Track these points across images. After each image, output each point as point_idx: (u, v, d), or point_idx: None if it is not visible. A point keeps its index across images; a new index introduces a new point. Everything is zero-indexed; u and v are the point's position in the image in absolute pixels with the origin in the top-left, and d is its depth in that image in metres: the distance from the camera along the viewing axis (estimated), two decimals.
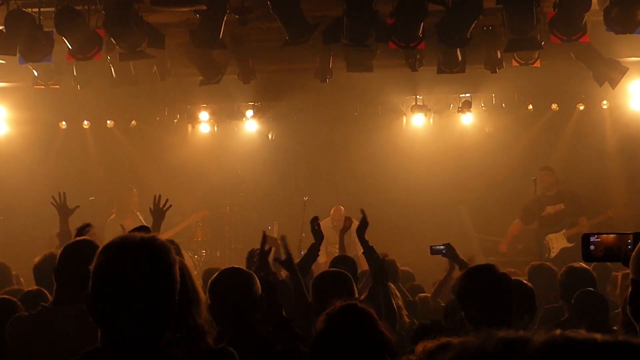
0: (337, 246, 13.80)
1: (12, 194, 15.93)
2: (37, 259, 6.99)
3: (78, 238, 5.31)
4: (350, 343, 3.77)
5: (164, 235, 13.61)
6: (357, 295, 5.72)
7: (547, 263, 9.64)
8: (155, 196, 8.14)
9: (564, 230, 13.82)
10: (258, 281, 4.94)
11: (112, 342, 2.75)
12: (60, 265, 4.71)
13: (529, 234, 14.77)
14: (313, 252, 7.48)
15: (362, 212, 7.66)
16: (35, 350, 4.46)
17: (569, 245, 13.82)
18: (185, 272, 3.81)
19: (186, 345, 3.69)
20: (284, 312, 5.33)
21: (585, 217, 13.98)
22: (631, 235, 3.53)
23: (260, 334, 4.75)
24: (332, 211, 15.02)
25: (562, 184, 14.35)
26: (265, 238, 6.39)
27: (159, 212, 8.11)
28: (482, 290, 4.73)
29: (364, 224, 7.63)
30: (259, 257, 6.38)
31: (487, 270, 5.00)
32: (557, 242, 13.77)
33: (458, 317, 4.85)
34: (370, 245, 7.31)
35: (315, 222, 7.83)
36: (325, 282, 5.81)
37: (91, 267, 2.80)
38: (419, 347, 3.05)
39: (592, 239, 3.65)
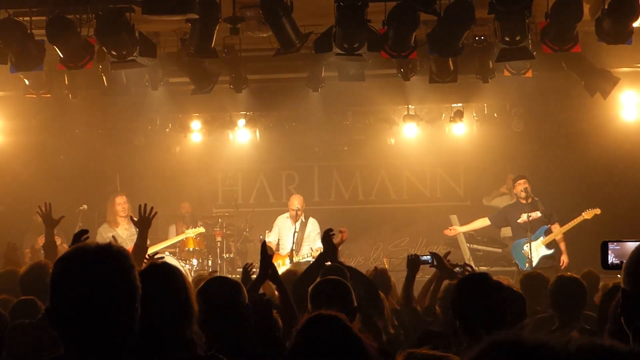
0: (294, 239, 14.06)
1: (3, 203, 15.91)
2: (22, 269, 6.96)
3: (76, 245, 5.27)
4: (321, 352, 3.73)
5: (157, 246, 13.74)
6: (355, 304, 5.69)
7: (538, 271, 9.64)
8: (140, 205, 8.11)
9: (542, 238, 13.88)
10: (245, 291, 4.92)
11: (74, 352, 2.73)
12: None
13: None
14: (321, 260, 7.48)
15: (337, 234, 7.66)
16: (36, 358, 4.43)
17: (549, 252, 13.87)
18: (186, 285, 3.81)
19: (178, 356, 3.67)
20: (279, 322, 5.31)
21: (558, 224, 14.11)
22: None
23: (247, 343, 4.72)
24: (290, 201, 15.22)
25: (540, 193, 14.42)
26: (265, 246, 6.45)
27: (144, 221, 8.08)
28: (476, 299, 4.72)
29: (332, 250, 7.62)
30: (260, 267, 6.42)
31: (480, 279, 5.00)
32: (536, 251, 13.81)
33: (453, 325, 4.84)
34: (354, 267, 7.33)
35: (328, 233, 7.81)
36: (323, 291, 5.77)
37: (49, 279, 2.80)
38: (399, 357, 3.04)
39: (611, 246, 3.56)
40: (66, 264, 2.80)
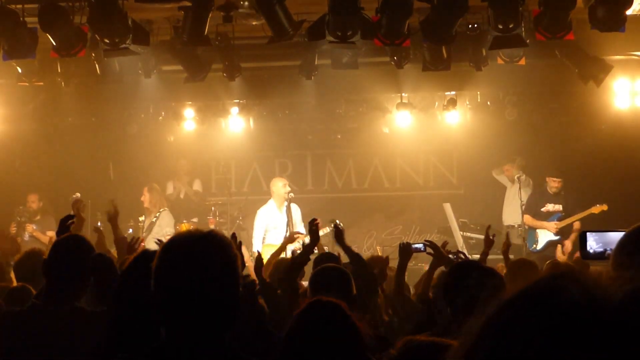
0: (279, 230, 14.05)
1: None
2: (17, 257, 6.95)
3: (68, 234, 5.27)
4: (319, 337, 3.75)
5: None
6: (355, 292, 5.70)
7: (527, 259, 9.71)
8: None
9: (555, 222, 14.16)
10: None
11: (177, 339, 2.73)
12: (51, 261, 4.66)
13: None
14: (307, 252, 7.49)
15: (334, 222, 7.68)
16: (26, 347, 4.41)
17: (555, 238, 14.08)
18: None
19: None
20: (265, 307, 5.33)
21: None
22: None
23: (238, 332, 4.72)
24: (276, 185, 14.94)
25: (566, 189, 14.68)
26: (234, 236, 6.50)
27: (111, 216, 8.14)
28: (467, 286, 4.72)
29: (339, 233, 7.64)
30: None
31: (471, 266, 5.01)
32: (545, 235, 14.10)
33: (443, 313, 4.85)
34: (356, 252, 7.33)
35: (313, 223, 7.83)
36: (323, 278, 5.78)
37: (153, 266, 2.79)
38: (398, 344, 3.05)
39: (590, 237, 3.60)
40: (171, 251, 2.80)
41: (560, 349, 1.06)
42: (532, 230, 14.60)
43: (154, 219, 14.90)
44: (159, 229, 14.67)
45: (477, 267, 5.01)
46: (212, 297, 2.71)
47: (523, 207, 14.59)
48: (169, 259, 2.78)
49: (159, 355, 2.75)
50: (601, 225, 12.60)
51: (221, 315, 2.74)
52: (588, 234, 3.62)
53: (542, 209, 14.59)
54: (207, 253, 2.75)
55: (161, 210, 15.07)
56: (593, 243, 3.60)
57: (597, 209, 14.18)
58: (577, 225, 14.28)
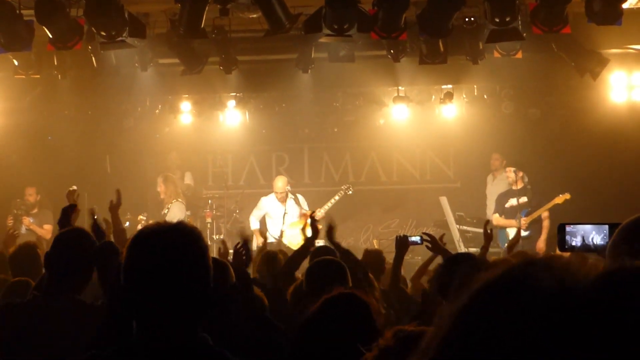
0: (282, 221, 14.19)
1: None
2: (11, 249, 6.95)
3: (71, 227, 5.27)
4: (339, 328, 3.76)
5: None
6: (350, 284, 5.72)
7: (528, 252, 9.72)
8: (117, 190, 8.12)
9: (523, 218, 14.08)
10: (232, 270, 4.95)
11: (147, 333, 2.70)
12: (53, 253, 4.65)
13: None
14: (309, 245, 7.52)
15: (329, 217, 7.73)
16: (27, 340, 4.39)
17: (524, 233, 14.04)
18: None
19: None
20: (265, 300, 5.34)
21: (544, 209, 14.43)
22: (607, 226, 3.51)
23: (236, 322, 4.73)
24: (275, 183, 15.17)
25: (528, 175, 14.63)
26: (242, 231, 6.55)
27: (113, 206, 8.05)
28: (462, 279, 4.73)
29: (331, 229, 7.67)
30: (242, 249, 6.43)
31: (466, 259, 5.02)
32: (514, 231, 14.06)
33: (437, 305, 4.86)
34: (345, 248, 7.38)
35: (312, 216, 7.87)
36: (321, 271, 5.80)
37: (122, 259, 2.76)
38: (388, 334, 3.06)
39: (567, 229, 3.62)
40: (140, 243, 2.77)
41: (528, 336, 1.06)
42: (503, 229, 14.44)
43: (165, 211, 14.84)
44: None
45: (469, 259, 5.03)
46: (182, 288, 2.68)
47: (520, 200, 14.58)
48: (137, 251, 2.75)
49: (130, 349, 2.73)
50: (602, 218, 12.62)
51: (191, 307, 2.70)
52: (567, 226, 3.64)
53: (507, 205, 14.50)
54: (176, 244, 2.72)
55: (173, 201, 15.00)
56: (570, 235, 3.61)
57: (560, 198, 14.19)
58: (545, 215, 14.30)
